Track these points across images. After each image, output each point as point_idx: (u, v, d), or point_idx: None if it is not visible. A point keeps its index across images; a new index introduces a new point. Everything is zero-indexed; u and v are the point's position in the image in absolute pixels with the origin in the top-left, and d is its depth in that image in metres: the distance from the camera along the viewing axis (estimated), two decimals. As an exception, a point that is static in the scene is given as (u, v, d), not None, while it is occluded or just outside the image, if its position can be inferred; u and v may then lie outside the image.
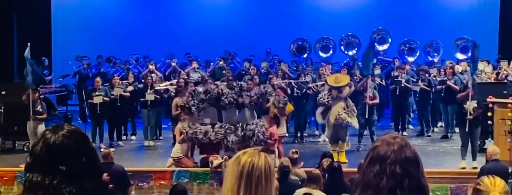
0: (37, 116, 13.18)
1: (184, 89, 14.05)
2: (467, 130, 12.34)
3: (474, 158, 12.40)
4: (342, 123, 13.29)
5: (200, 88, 12.98)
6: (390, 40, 21.35)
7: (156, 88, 15.43)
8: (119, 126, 15.46)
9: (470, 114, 12.31)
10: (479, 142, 13.03)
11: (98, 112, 14.48)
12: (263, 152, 2.85)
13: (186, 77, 16.59)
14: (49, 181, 2.36)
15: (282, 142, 13.19)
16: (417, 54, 21.10)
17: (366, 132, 14.49)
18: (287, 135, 13.87)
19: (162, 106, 15.96)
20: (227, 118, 12.67)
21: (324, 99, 13.62)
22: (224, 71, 17.53)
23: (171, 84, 16.16)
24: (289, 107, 13.39)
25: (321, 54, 21.39)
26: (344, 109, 13.43)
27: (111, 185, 8.30)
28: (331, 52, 21.48)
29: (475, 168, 11.89)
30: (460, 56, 20.57)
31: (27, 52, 13.12)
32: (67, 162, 2.39)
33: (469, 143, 12.49)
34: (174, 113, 13.83)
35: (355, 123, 13.53)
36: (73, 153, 2.42)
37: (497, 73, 15.98)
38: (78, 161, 2.41)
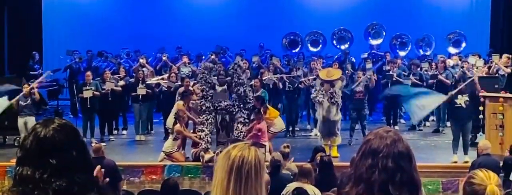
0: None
1: (189, 95, 13.86)
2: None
3: (465, 152, 12.42)
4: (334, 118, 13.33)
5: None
6: (384, 33, 21.32)
7: (147, 82, 15.40)
8: (110, 120, 15.41)
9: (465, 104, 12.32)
10: (470, 136, 13.06)
11: (88, 106, 14.43)
12: (253, 146, 2.84)
13: (177, 71, 16.55)
14: (39, 174, 2.35)
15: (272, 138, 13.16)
16: (409, 48, 21.10)
17: (357, 126, 14.50)
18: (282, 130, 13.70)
19: (153, 100, 15.94)
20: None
21: (319, 97, 13.47)
22: (215, 66, 17.45)
23: (163, 78, 16.13)
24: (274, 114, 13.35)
25: (310, 48, 21.35)
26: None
27: (106, 179, 8.29)
28: (320, 46, 21.46)
29: (466, 162, 11.91)
30: (452, 50, 20.59)
31: None
32: (57, 155, 2.38)
33: (461, 137, 12.51)
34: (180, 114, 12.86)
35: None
36: (64, 147, 2.40)
37: (489, 67, 15.99)
38: (69, 155, 2.40)
